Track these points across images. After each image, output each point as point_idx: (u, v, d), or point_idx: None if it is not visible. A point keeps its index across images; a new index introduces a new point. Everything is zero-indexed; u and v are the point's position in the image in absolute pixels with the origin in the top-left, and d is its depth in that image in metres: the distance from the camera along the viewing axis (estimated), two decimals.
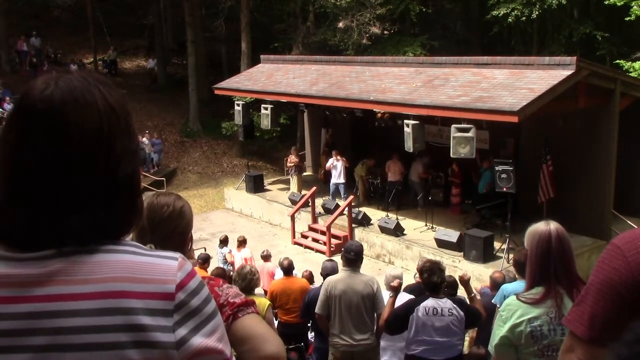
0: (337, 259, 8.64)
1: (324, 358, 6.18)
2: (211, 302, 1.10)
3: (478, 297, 5.32)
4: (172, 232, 1.93)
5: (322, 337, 6.12)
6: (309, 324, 7.10)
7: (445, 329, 4.69)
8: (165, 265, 1.05)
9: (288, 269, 7.75)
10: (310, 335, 7.36)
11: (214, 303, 1.11)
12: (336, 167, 15.34)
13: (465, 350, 5.83)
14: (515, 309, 2.68)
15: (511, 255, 10.61)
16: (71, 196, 1.01)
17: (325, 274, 6.42)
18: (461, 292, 5.83)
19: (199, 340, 1.05)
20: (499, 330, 2.71)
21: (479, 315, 4.91)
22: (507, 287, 5.04)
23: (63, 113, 1.01)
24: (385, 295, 5.47)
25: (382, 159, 15.25)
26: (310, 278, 8.55)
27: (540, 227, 2.67)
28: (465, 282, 5.06)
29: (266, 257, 10.12)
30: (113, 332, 0.98)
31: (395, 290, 5.10)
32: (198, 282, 1.07)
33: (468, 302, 5.02)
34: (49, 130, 1.01)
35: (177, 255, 1.08)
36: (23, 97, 1.05)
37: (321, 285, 6.34)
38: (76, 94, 1.03)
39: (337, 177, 15.40)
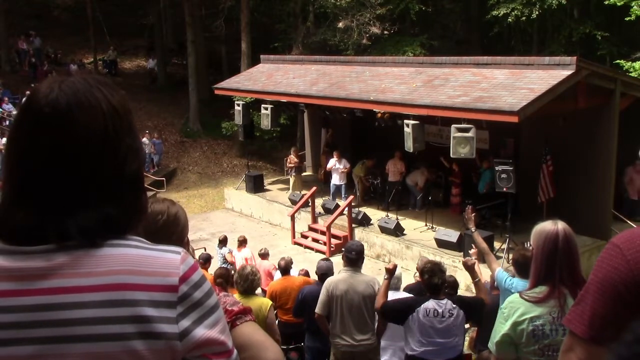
0: (337, 259, 8.64)
1: (316, 357, 6.17)
2: (213, 295, 1.12)
3: (482, 281, 5.14)
4: (169, 240, 1.91)
5: (315, 336, 6.10)
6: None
7: (446, 330, 4.68)
8: (169, 258, 1.07)
9: (285, 269, 7.67)
10: None
11: (216, 297, 1.13)
12: (338, 169, 15.35)
13: (466, 350, 5.82)
14: (517, 307, 2.67)
15: (511, 255, 10.60)
16: (79, 196, 1.03)
17: (321, 273, 6.38)
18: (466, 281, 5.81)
19: (201, 332, 1.07)
20: (500, 328, 2.70)
21: (480, 304, 4.81)
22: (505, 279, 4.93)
23: (69, 116, 1.03)
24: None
25: (382, 159, 15.24)
26: (306, 277, 8.50)
27: (548, 226, 2.66)
28: (470, 267, 4.92)
29: (263, 255, 10.03)
30: (118, 323, 1.00)
31: (390, 273, 5.08)
32: (200, 276, 1.09)
33: (473, 288, 4.88)
34: (57, 134, 1.03)
35: (180, 249, 1.10)
36: (29, 102, 1.06)
37: (315, 284, 6.34)
38: (80, 97, 1.05)
39: (338, 178, 15.42)
